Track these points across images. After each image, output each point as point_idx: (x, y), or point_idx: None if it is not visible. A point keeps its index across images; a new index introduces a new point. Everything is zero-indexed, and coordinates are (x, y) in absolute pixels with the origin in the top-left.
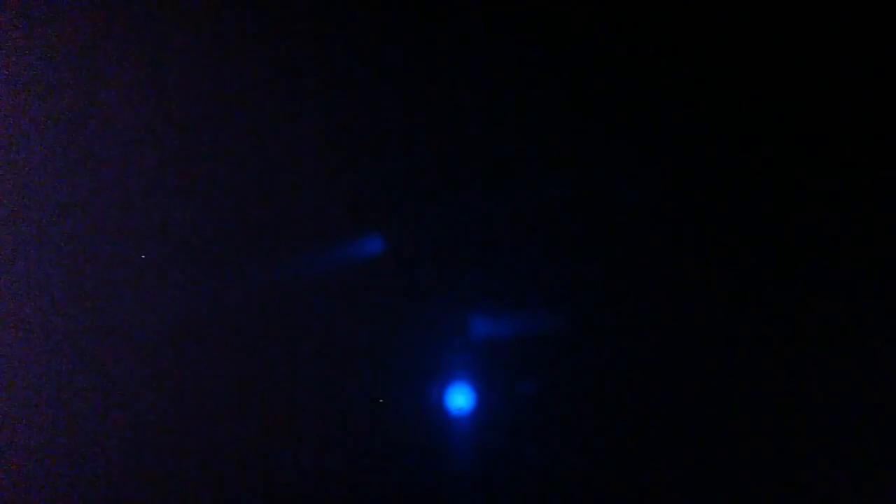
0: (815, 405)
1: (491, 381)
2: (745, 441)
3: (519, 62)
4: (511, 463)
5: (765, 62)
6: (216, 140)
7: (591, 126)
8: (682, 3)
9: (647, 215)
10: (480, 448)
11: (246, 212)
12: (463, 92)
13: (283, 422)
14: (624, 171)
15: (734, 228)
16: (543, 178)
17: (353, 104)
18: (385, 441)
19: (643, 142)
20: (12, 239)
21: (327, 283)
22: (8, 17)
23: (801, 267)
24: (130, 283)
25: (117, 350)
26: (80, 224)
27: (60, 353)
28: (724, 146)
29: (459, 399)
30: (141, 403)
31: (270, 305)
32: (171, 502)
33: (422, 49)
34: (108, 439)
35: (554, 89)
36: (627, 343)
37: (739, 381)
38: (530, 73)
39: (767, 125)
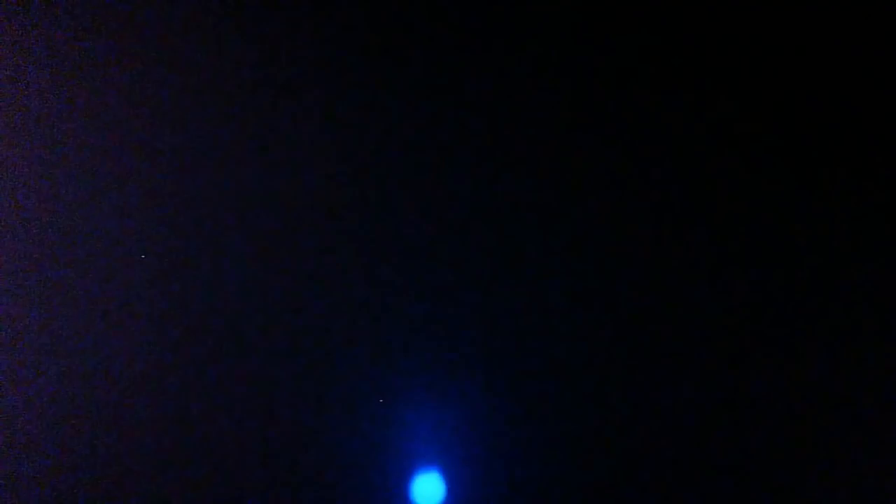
0: (813, 405)
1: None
2: (743, 441)
3: (518, 63)
4: (513, 464)
5: (765, 62)
6: (217, 140)
7: (590, 126)
8: (682, 4)
9: (646, 217)
10: (481, 450)
11: (246, 211)
12: (463, 93)
13: (284, 422)
14: (624, 173)
15: (733, 229)
16: (543, 179)
17: (353, 104)
18: (386, 442)
19: (643, 142)
20: (12, 239)
21: (328, 283)
22: (8, 17)
23: (801, 267)
24: (130, 282)
25: (117, 350)
26: (80, 224)
27: (60, 353)
28: (724, 147)
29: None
30: (140, 403)
31: (270, 305)
32: (170, 502)
33: (422, 48)
34: (108, 439)
35: (553, 89)
36: (627, 346)
37: (738, 382)
38: (530, 74)
39: (767, 126)
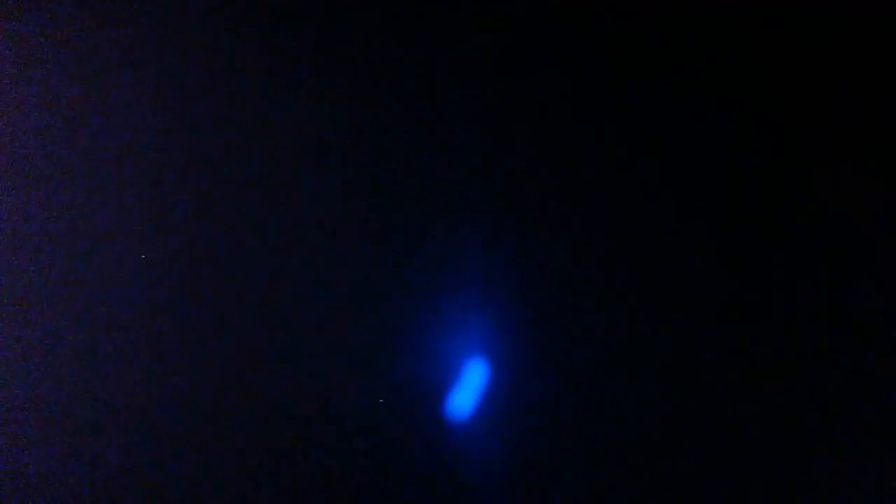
0: (814, 406)
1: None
2: (744, 443)
3: (518, 61)
4: (514, 463)
5: (765, 61)
6: (217, 139)
7: (590, 125)
8: (684, 3)
9: (648, 216)
10: (482, 448)
11: (247, 212)
12: (462, 91)
13: (284, 422)
14: (624, 171)
15: (734, 228)
16: (542, 177)
17: (354, 104)
18: (386, 441)
19: (644, 141)
20: (12, 239)
21: (328, 282)
22: (8, 17)
23: (800, 267)
24: (130, 283)
25: (117, 350)
26: (81, 224)
27: (60, 353)
28: (725, 146)
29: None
30: (140, 404)
31: (271, 305)
32: (170, 502)
33: (420, 47)
34: (107, 440)
35: (553, 88)
36: (628, 344)
37: (740, 383)
38: (529, 72)
39: (770, 125)
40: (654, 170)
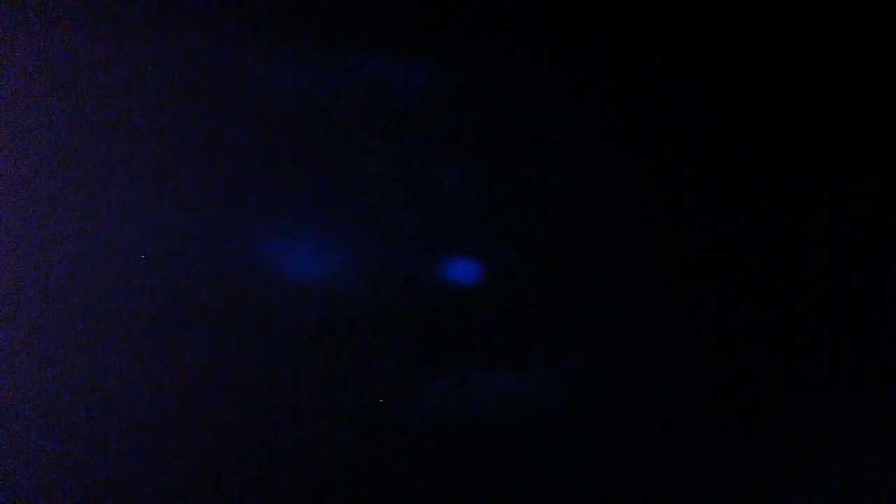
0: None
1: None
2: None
3: (515, 58)
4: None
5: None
6: (217, 139)
7: (590, 121)
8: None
9: (647, 213)
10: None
11: (246, 211)
12: (458, 88)
13: (283, 420)
14: (623, 168)
15: (735, 227)
16: (540, 173)
17: (353, 104)
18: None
19: (643, 137)
20: (12, 238)
21: (327, 280)
22: (8, 17)
23: (801, 265)
24: (130, 282)
25: (116, 350)
26: (80, 224)
27: (60, 353)
28: (726, 142)
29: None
30: (139, 403)
31: (270, 304)
32: (169, 501)
33: (414, 42)
34: (106, 439)
35: (552, 85)
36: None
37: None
38: (526, 69)
39: (770, 123)
40: (652, 166)
